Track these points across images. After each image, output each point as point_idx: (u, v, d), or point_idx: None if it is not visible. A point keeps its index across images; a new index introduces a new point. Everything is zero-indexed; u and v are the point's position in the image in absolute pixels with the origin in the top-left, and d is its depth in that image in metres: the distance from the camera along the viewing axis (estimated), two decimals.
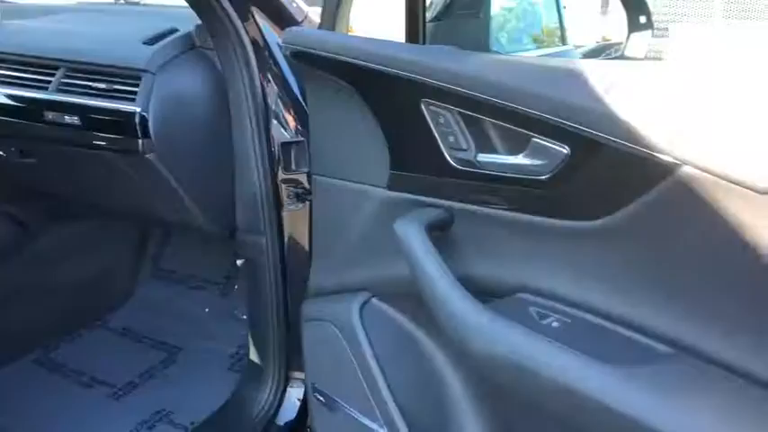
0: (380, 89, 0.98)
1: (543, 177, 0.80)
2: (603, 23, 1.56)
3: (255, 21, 1.29)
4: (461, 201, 0.93)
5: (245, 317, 1.87)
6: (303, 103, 1.33)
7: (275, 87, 1.33)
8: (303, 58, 1.09)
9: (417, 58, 0.91)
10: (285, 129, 1.35)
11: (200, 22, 1.33)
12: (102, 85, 1.27)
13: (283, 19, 1.33)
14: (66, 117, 1.29)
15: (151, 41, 1.32)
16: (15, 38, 1.48)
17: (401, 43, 1.06)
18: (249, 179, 1.34)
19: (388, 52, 0.95)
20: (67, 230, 1.89)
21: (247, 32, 1.28)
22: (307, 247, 1.38)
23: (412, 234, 0.91)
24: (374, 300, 1.12)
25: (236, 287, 1.93)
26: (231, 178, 1.37)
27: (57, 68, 1.33)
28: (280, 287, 1.42)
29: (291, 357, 1.45)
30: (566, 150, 0.77)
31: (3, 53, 1.42)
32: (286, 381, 1.47)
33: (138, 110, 1.22)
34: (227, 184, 1.37)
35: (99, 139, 1.29)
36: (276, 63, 1.32)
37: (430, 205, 0.97)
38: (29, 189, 1.70)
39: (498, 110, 0.82)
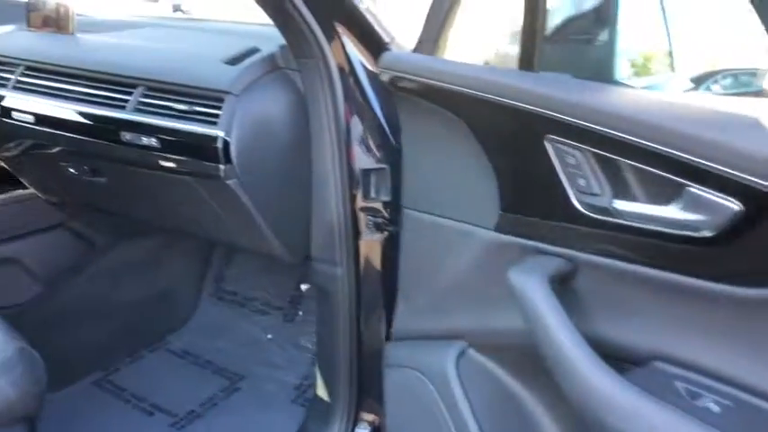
0: (494, 121, 0.89)
1: (702, 234, 0.69)
2: (709, 47, 1.43)
3: (342, 42, 1.21)
4: (588, 251, 0.82)
5: (309, 346, 1.80)
6: (387, 130, 1.26)
7: (358, 112, 1.25)
8: (401, 85, 1.01)
9: (543, 89, 0.82)
10: (366, 155, 1.27)
11: (282, 42, 1.27)
12: (183, 107, 1.20)
13: (370, 40, 1.25)
14: (143, 138, 1.23)
15: (233, 61, 1.25)
16: (91, 53, 1.44)
17: (518, 71, 0.96)
18: (327, 206, 1.26)
19: (507, 81, 0.86)
20: (132, 248, 1.85)
21: (333, 54, 1.20)
22: (384, 281, 1.30)
23: (533, 286, 0.81)
24: (471, 351, 1.02)
25: (300, 313, 1.85)
26: (308, 205, 1.30)
27: (134, 87, 1.27)
28: (353, 321, 1.33)
29: (361, 397, 1.36)
30: (737, 206, 0.65)
31: (78, 69, 1.37)
32: (354, 422, 1.38)
33: (221, 134, 1.15)
34: (304, 210, 1.30)
35: (177, 163, 1.22)
36: (360, 86, 1.24)
37: (548, 253, 0.86)
38: (97, 206, 1.66)
39: (647, 154, 0.71)
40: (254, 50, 1.29)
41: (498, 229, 0.93)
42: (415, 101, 0.99)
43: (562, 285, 0.85)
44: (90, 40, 1.53)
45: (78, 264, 1.74)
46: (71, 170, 1.46)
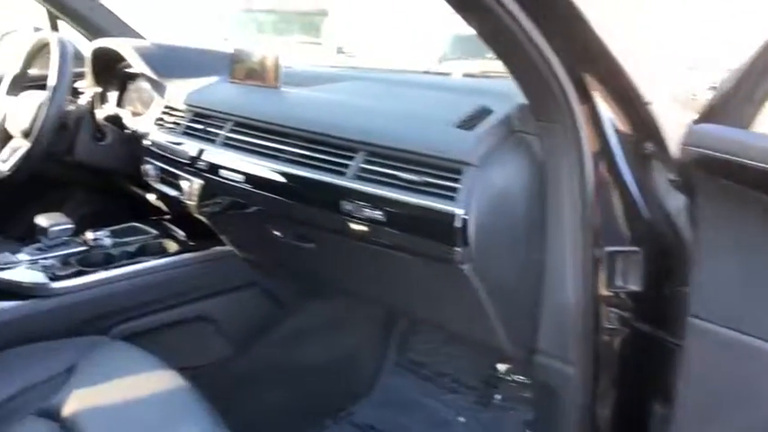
0: None
1: None
2: None
3: (593, 101, 1.02)
4: None
5: None
6: (641, 206, 1.04)
7: (607, 184, 1.06)
8: (714, 167, 0.80)
9: None
10: (614, 234, 1.07)
11: (513, 98, 1.11)
12: (413, 177, 1.06)
13: (625, 99, 1.05)
14: (365, 210, 1.10)
15: (466, 125, 1.09)
16: (302, 110, 1.36)
17: None
18: (561, 292, 1.08)
19: None
20: (317, 309, 1.76)
21: (584, 116, 1.02)
22: (634, 393, 1.08)
23: None
24: None
25: (496, 397, 1.65)
26: (539, 289, 1.11)
27: (355, 151, 1.16)
28: None
29: None
30: None
31: (290, 128, 1.29)
32: None
33: (461, 212, 0.99)
34: (534, 296, 1.12)
35: (402, 240, 1.08)
36: (611, 155, 1.05)
37: None
38: (293, 268, 1.58)
39: None
40: (486, 111, 1.13)
41: None
42: (733, 188, 0.77)
43: None
44: (297, 95, 1.46)
45: (267, 324, 1.67)
46: (276, 233, 1.38)
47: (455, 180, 1.01)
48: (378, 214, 1.09)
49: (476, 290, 1.06)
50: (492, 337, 1.15)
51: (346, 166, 1.15)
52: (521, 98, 1.07)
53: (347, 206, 1.13)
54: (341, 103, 1.34)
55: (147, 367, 1.20)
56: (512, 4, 0.88)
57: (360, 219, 1.11)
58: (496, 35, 0.96)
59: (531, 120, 1.07)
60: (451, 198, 1.00)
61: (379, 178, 1.10)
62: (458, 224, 0.99)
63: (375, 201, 1.09)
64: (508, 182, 1.06)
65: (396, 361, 1.82)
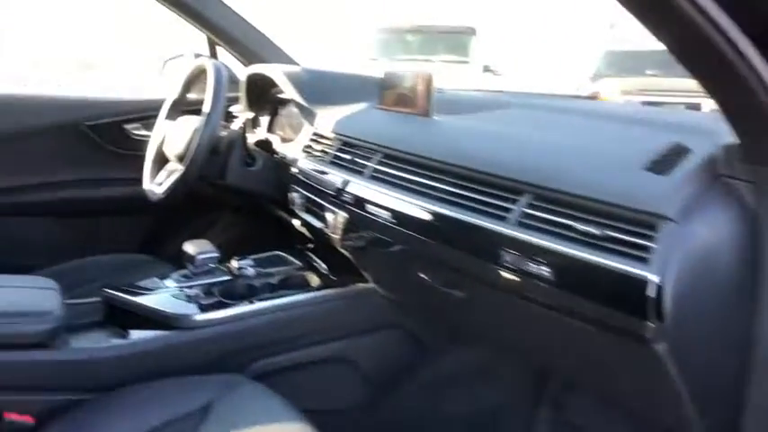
0: None
1: None
2: None
3: None
4: None
5: None
6: None
7: None
8: None
9: None
10: None
11: (713, 134, 0.90)
12: (591, 229, 0.88)
13: None
14: (529, 264, 0.94)
15: (659, 167, 0.90)
16: (456, 143, 1.22)
17: None
18: None
19: None
20: (463, 356, 1.61)
21: None
22: None
23: None
24: None
25: None
26: (747, 370, 0.89)
27: (519, 194, 1.00)
28: None
29: None
30: None
31: (442, 162, 1.17)
32: None
33: (656, 279, 0.80)
34: (741, 378, 0.89)
35: (574, 304, 0.91)
36: None
37: None
38: (438, 313, 1.45)
39: None
40: (681, 149, 0.93)
41: None
42: None
43: None
44: (451, 125, 1.34)
45: (409, 368, 1.56)
46: (422, 275, 1.26)
47: (648, 237, 0.82)
48: (544, 270, 0.92)
49: (668, 371, 0.86)
50: (678, 419, 0.94)
51: (508, 210, 1.00)
52: (725, 133, 0.86)
53: (506, 257, 0.97)
54: (501, 135, 1.19)
55: (281, 414, 1.13)
56: (708, 4, 0.68)
57: (520, 272, 0.96)
58: (692, 50, 0.76)
59: (742, 162, 0.86)
60: (643, 260, 0.82)
61: (547, 227, 0.94)
62: (651, 293, 0.80)
63: (540, 253, 0.93)
64: (713, 240, 0.85)
65: (549, 419, 1.62)
